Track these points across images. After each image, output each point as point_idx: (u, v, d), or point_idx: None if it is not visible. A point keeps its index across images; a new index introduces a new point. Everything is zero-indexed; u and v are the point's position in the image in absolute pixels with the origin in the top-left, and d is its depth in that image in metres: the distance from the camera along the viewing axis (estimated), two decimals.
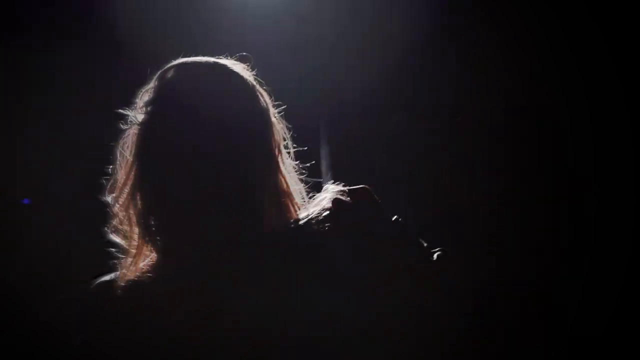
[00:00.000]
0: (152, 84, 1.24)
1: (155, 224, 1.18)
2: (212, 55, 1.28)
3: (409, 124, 3.58)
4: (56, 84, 3.40)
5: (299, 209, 1.24)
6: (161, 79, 1.23)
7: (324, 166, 3.45)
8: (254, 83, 1.26)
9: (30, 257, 3.37)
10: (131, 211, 1.20)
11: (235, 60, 1.27)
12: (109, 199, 1.24)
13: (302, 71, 3.07)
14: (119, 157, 1.23)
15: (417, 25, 3.19)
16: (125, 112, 1.24)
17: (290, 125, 1.30)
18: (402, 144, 3.59)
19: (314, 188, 1.29)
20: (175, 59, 1.26)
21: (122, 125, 1.24)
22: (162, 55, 1.29)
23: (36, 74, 3.38)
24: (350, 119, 3.57)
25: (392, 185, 3.31)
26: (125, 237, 1.23)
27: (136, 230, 1.21)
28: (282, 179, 1.24)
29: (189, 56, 1.27)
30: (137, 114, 1.22)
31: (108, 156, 1.25)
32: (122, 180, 1.21)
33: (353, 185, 1.18)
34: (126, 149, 1.22)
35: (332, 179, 1.26)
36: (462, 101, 3.51)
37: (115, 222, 1.23)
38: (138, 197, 1.19)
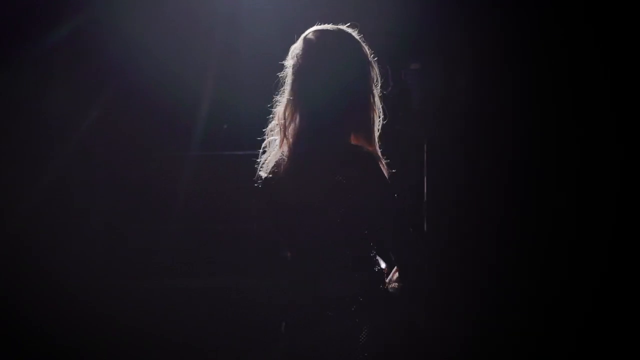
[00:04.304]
0: (298, 43, 1.97)
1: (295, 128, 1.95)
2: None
3: None
4: None
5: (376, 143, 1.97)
6: (304, 38, 1.97)
7: None
8: (361, 42, 1.97)
9: None
10: (286, 120, 1.95)
11: (349, 27, 1.98)
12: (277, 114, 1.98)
13: None
14: (281, 88, 1.99)
15: None
16: (283, 62, 1.99)
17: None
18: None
19: None
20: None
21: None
22: None
23: None
24: None
25: None
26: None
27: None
28: (373, 111, 1.96)
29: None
30: (290, 61, 1.97)
31: None
32: (286, 100, 1.96)
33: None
34: (286, 82, 1.97)
35: None
36: None
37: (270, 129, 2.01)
38: (292, 108, 1.95)
